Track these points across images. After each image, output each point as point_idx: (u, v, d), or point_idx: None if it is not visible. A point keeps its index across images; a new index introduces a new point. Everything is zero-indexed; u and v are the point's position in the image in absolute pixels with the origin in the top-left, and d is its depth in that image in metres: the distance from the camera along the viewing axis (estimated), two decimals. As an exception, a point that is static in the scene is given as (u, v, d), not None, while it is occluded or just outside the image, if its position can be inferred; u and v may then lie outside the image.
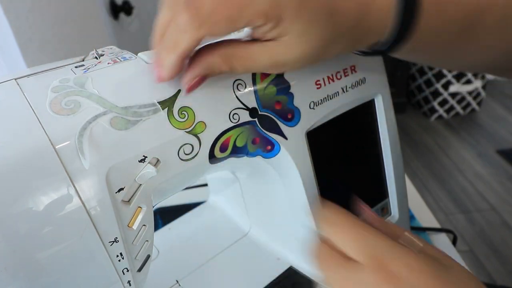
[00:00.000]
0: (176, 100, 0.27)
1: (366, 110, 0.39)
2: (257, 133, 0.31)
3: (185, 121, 0.27)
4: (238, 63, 0.26)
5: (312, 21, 0.24)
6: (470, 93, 2.18)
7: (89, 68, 0.27)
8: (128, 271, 0.28)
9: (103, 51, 0.31)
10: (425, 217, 0.55)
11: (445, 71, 2.09)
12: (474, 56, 0.31)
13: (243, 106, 0.30)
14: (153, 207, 0.29)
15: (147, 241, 0.28)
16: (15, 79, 0.26)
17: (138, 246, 0.28)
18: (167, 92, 0.27)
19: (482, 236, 1.46)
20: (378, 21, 0.26)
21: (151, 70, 0.27)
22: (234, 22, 0.23)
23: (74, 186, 0.23)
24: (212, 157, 0.30)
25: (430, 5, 0.26)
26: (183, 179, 0.32)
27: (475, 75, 2.11)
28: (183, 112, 0.27)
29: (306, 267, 0.42)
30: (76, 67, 0.28)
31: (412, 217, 0.54)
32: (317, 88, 0.34)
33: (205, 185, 0.61)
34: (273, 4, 0.23)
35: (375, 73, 0.38)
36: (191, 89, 0.27)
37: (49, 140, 0.23)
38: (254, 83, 0.30)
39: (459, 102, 2.20)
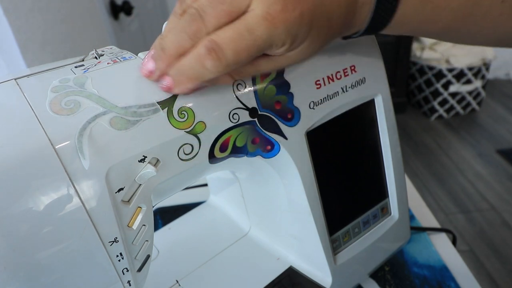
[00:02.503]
0: (176, 100, 0.27)
1: (366, 110, 0.39)
2: (257, 133, 0.31)
3: (184, 121, 0.27)
4: (241, 75, 0.27)
5: (317, 39, 0.26)
6: (470, 93, 2.18)
7: (89, 68, 0.27)
8: (128, 271, 0.27)
9: (103, 51, 0.31)
10: (425, 217, 0.55)
11: (445, 71, 2.09)
12: (478, 36, 0.30)
13: (243, 106, 0.30)
14: (153, 207, 0.29)
15: (147, 241, 0.28)
16: (15, 79, 0.26)
17: (138, 246, 0.28)
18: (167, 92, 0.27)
19: (482, 236, 1.46)
20: (359, 19, 0.27)
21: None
22: (254, 55, 0.25)
23: (74, 186, 0.23)
24: (212, 157, 0.30)
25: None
26: (183, 179, 0.32)
27: (475, 75, 2.11)
28: (182, 112, 0.27)
29: (306, 267, 0.42)
30: (76, 67, 0.28)
31: (412, 217, 0.54)
32: (317, 88, 0.34)
33: (205, 185, 0.61)
34: (290, 36, 0.24)
35: (375, 73, 0.38)
36: (184, 93, 0.27)
37: (49, 140, 0.23)
38: (253, 83, 0.30)
39: (459, 102, 2.20)
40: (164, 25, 0.29)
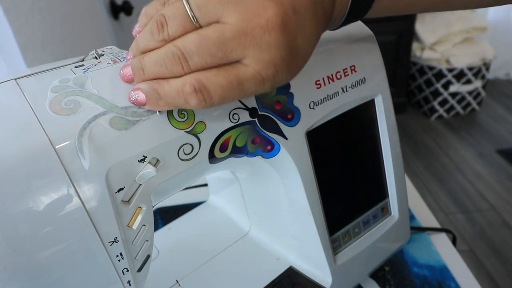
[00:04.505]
0: (176, 100, 0.27)
1: (366, 110, 0.39)
2: (257, 133, 0.31)
3: (184, 121, 0.27)
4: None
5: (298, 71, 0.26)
6: (470, 93, 2.18)
7: (89, 68, 0.27)
8: (128, 271, 0.27)
9: (103, 51, 0.31)
10: (425, 217, 0.55)
11: (445, 71, 2.09)
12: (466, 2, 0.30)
13: (243, 106, 0.30)
14: (153, 207, 0.29)
15: (147, 241, 0.28)
16: (15, 79, 0.26)
17: (138, 246, 0.28)
18: (167, 92, 0.27)
19: (482, 236, 1.46)
20: (338, 13, 0.28)
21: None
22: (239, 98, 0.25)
23: (74, 186, 0.23)
24: (212, 157, 0.30)
25: None
26: (183, 179, 0.32)
27: (475, 75, 2.11)
28: (182, 112, 0.27)
29: (306, 267, 0.42)
30: (76, 67, 0.28)
31: (412, 217, 0.54)
32: (317, 88, 0.34)
33: (205, 185, 0.61)
34: (275, 87, 0.25)
35: (375, 73, 0.38)
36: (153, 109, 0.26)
37: (49, 140, 0.23)
38: (254, 83, 0.30)
39: (459, 102, 2.20)
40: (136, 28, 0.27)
